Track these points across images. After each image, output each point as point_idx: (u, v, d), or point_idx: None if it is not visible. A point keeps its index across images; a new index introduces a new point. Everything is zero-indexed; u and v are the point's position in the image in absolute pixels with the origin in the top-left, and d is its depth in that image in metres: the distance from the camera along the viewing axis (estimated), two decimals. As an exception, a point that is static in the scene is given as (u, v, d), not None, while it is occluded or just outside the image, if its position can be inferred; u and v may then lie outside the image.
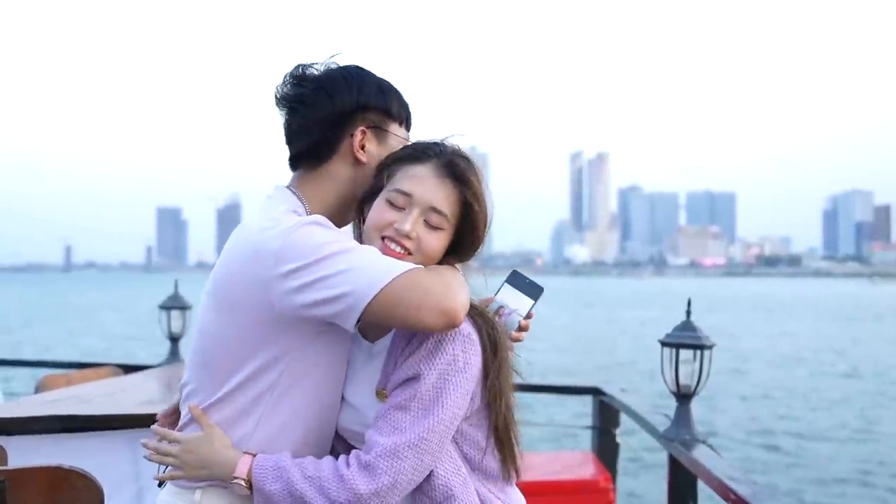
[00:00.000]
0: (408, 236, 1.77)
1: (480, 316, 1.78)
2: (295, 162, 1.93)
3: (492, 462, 1.82)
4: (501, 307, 1.89)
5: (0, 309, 63.65)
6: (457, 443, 1.78)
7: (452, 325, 1.67)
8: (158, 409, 2.95)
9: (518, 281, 1.91)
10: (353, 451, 1.71)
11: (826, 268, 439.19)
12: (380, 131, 1.90)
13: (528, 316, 1.90)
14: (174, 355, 5.63)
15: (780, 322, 51.04)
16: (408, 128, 1.97)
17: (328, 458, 1.72)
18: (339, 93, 1.86)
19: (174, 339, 5.66)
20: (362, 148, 1.88)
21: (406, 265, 1.70)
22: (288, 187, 1.91)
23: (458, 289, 1.70)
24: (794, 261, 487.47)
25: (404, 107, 1.96)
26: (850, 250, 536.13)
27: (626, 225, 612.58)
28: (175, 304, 5.67)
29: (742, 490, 2.65)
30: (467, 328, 1.72)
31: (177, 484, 1.81)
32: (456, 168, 1.80)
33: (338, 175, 1.89)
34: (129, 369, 5.00)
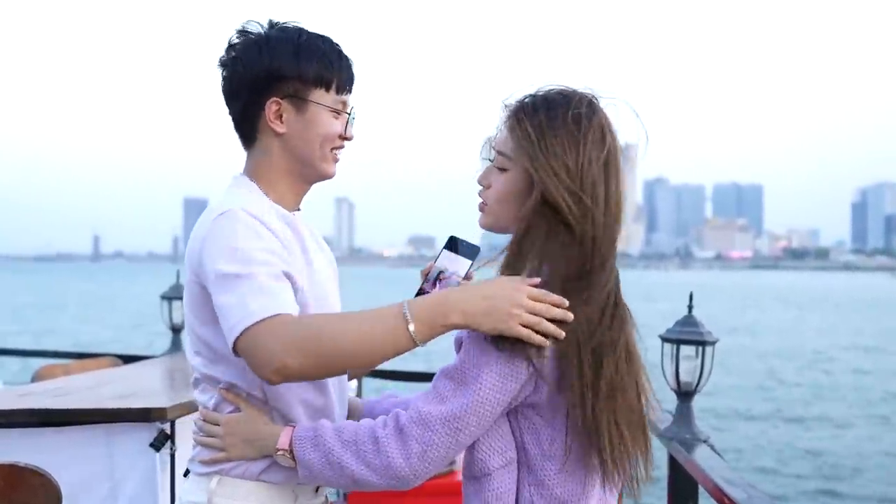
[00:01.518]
0: (480, 184, 1.72)
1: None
2: (240, 139, 1.86)
3: (555, 478, 1.61)
4: (441, 272, 1.90)
5: (23, 298, 64.61)
6: (520, 428, 1.63)
7: (285, 381, 1.58)
8: (135, 402, 2.92)
9: (456, 245, 1.91)
10: (394, 410, 1.63)
11: (854, 261, 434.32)
12: (297, 100, 1.78)
13: (468, 277, 1.89)
14: (176, 346, 5.57)
15: (808, 317, 50.45)
16: (340, 90, 1.82)
17: (366, 421, 1.65)
18: (251, 63, 1.76)
19: (175, 330, 5.59)
20: (280, 119, 1.78)
21: (270, 310, 1.56)
22: (243, 173, 1.86)
23: (307, 340, 1.53)
24: (821, 254, 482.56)
25: (330, 69, 1.79)
26: (880, 244, 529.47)
27: (651, 217, 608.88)
28: (177, 294, 5.58)
29: (736, 494, 2.51)
30: None
31: (196, 472, 1.77)
32: (517, 105, 1.66)
33: (269, 149, 1.81)
34: (128, 360, 4.94)
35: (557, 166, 1.58)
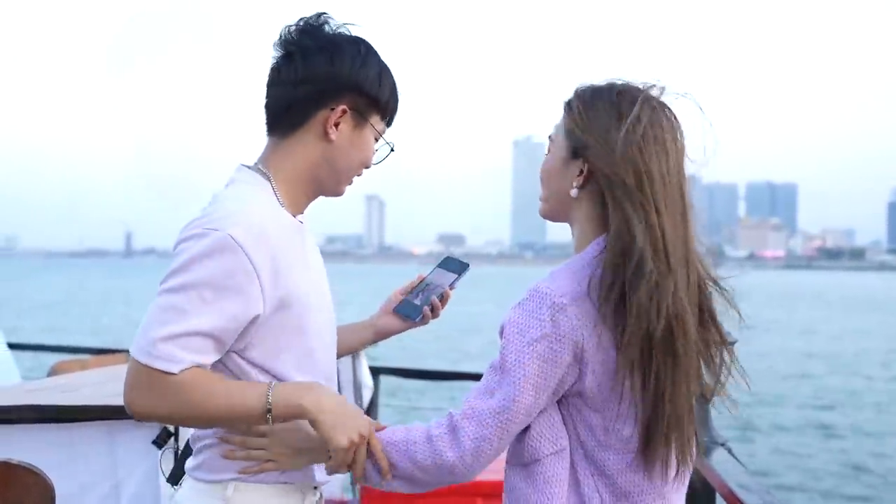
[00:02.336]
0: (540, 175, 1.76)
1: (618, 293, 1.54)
2: (270, 124, 1.81)
3: (617, 468, 1.61)
4: (427, 285, 2.05)
5: (51, 295, 65.56)
6: (572, 420, 1.63)
7: (134, 418, 1.68)
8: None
9: (449, 264, 2.06)
10: (449, 411, 1.67)
11: (890, 261, 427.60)
12: (359, 117, 1.77)
13: (451, 287, 2.05)
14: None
15: (843, 318, 49.66)
16: (389, 123, 1.85)
17: (420, 423, 1.70)
18: (340, 61, 1.74)
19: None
20: (336, 126, 1.75)
21: (159, 356, 1.58)
22: (256, 163, 1.81)
23: (152, 389, 1.59)
24: (856, 254, 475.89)
25: (394, 102, 1.83)
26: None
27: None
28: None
29: (752, 501, 2.44)
30: (559, 297, 1.57)
31: (203, 479, 1.74)
32: (574, 93, 1.69)
33: (306, 146, 1.77)
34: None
35: (609, 141, 1.60)
